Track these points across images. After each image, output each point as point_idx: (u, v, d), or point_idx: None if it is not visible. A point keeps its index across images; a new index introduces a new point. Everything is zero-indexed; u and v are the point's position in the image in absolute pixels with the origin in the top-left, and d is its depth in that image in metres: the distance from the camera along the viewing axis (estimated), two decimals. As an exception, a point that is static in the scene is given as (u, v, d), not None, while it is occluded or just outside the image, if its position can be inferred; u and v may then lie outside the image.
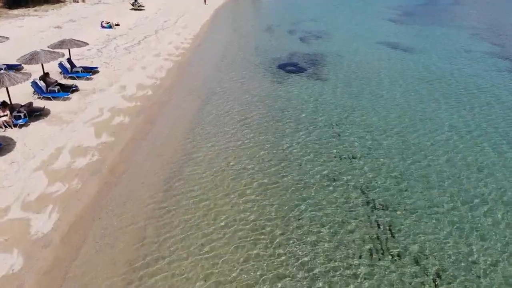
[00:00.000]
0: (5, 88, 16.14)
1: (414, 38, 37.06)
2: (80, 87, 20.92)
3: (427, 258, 10.21)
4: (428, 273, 9.74)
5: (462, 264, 10.05)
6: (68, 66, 22.73)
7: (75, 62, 24.10)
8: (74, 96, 19.79)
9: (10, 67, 22.40)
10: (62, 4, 47.36)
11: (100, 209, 11.68)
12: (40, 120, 16.80)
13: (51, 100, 18.88)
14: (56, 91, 19.56)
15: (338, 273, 9.72)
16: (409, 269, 9.86)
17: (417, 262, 10.07)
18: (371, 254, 10.31)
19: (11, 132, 15.55)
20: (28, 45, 25.53)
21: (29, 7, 43.16)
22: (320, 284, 9.37)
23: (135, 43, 31.66)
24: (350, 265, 9.96)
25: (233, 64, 27.83)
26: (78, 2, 49.69)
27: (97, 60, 26.13)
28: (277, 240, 10.70)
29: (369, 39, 35.86)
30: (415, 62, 28.42)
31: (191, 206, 12.02)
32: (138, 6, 48.99)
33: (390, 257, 10.23)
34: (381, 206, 12.19)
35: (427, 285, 9.42)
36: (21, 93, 18.67)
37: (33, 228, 10.61)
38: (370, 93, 21.97)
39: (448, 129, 17.61)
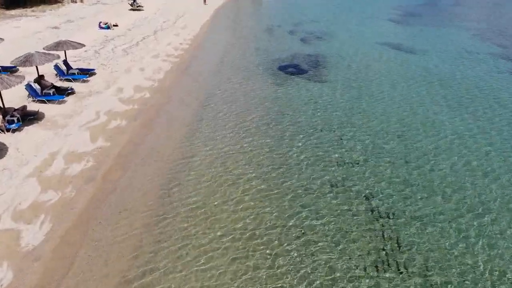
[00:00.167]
0: (-2, 92, 15.76)
1: (415, 38, 36.64)
2: (76, 89, 20.50)
3: (433, 269, 9.83)
4: (434, 286, 9.37)
5: (470, 276, 9.67)
6: (64, 68, 22.28)
7: (71, 63, 23.69)
8: (69, 99, 19.38)
9: (4, 69, 22.02)
10: (60, 4, 46.90)
11: (93, 219, 11.26)
12: (34, 124, 16.39)
13: (46, 103, 18.47)
14: (51, 94, 19.11)
15: (341, 285, 9.34)
16: (414, 280, 9.48)
17: (422, 274, 9.69)
18: (375, 266, 9.92)
19: (3, 137, 15.12)
20: (25, 46, 25.10)
21: (26, 8, 42.74)
22: (322, 298, 9.01)
23: (134, 44, 31.19)
24: (354, 277, 9.58)
25: (233, 65, 27.42)
26: (76, 2, 49.22)
27: (94, 62, 25.71)
28: (277, 250, 10.31)
29: (369, 39, 35.44)
30: (416, 64, 28.00)
31: (188, 214, 11.64)
32: (137, 7, 48.52)
33: (395, 268, 9.85)
34: (385, 214, 11.80)
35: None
36: (15, 96, 18.24)
37: (23, 239, 10.20)
38: (370, 96, 21.57)
39: (451, 132, 17.22)
